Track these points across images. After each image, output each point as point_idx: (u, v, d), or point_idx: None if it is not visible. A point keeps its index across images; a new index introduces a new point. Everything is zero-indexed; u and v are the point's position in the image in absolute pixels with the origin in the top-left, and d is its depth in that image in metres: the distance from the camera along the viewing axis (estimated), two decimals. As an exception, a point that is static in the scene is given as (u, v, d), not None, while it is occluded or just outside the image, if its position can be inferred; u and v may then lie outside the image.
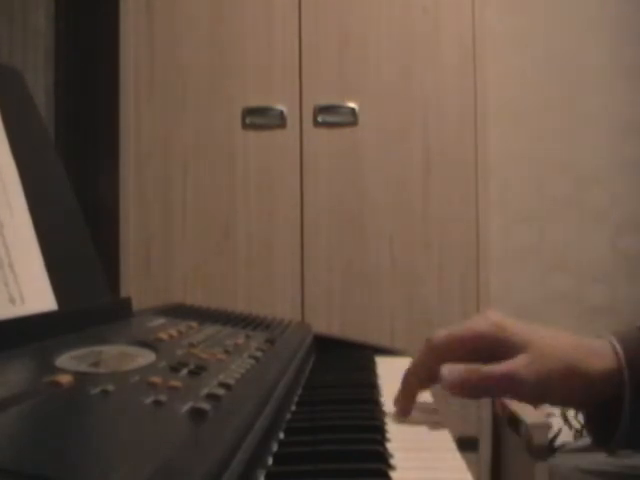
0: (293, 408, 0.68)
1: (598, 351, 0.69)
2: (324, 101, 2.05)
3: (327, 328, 1.88)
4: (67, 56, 2.49)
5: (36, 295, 0.69)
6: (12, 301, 0.65)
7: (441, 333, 0.70)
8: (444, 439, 0.64)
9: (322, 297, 2.03)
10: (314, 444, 0.55)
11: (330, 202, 2.04)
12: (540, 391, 0.67)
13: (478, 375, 0.67)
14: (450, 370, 0.67)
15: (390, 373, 0.87)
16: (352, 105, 2.05)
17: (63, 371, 0.49)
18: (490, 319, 0.70)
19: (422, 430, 0.66)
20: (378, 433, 0.59)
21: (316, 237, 2.04)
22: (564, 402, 0.72)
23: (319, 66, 2.06)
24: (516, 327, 0.69)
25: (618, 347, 0.69)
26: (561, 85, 2.62)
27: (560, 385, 0.67)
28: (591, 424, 0.73)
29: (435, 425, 0.67)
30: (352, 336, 1.14)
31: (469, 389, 0.67)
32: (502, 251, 2.57)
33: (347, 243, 2.04)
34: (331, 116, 2.05)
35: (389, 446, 0.58)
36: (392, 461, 0.54)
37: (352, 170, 2.05)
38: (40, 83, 2.31)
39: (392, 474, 0.51)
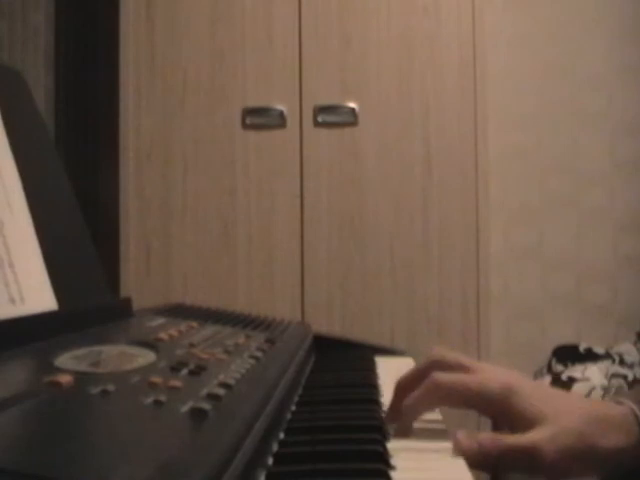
0: (293, 408, 0.68)
1: (618, 423, 0.62)
2: (324, 101, 2.05)
3: (327, 328, 1.88)
4: (67, 56, 2.48)
5: (36, 295, 0.68)
6: (12, 301, 0.65)
7: (448, 380, 0.64)
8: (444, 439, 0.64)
9: (322, 297, 2.03)
10: (314, 444, 0.55)
11: (330, 202, 2.04)
12: (557, 468, 0.61)
13: (498, 448, 0.60)
14: (467, 437, 0.60)
15: (390, 373, 0.87)
16: (352, 105, 2.05)
17: (63, 371, 0.49)
18: (505, 383, 0.63)
19: (422, 430, 0.66)
20: (378, 433, 0.59)
21: (316, 237, 2.04)
22: (579, 477, 0.65)
23: (319, 66, 2.06)
24: (529, 394, 0.63)
25: None
26: (561, 85, 2.62)
27: (578, 462, 0.61)
28: None
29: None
30: (352, 336, 1.14)
31: (485, 461, 0.60)
32: (502, 251, 2.57)
33: (347, 243, 2.03)
34: (331, 116, 2.05)
35: (389, 446, 0.58)
36: (392, 461, 0.54)
37: (352, 170, 2.05)
38: (40, 83, 2.31)
39: (392, 474, 0.51)
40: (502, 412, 0.63)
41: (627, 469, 0.62)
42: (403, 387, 0.67)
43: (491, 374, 0.65)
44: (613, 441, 0.61)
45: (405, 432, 0.64)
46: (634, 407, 0.63)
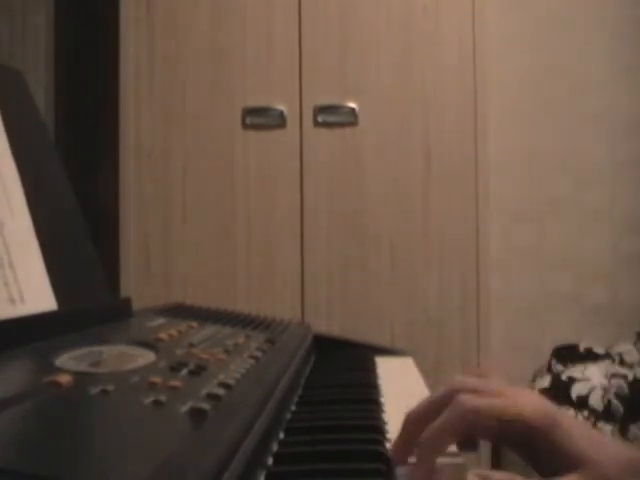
0: (293, 408, 0.68)
1: None
2: (324, 101, 2.05)
3: (327, 328, 1.88)
4: (67, 56, 2.49)
5: (36, 295, 0.68)
6: (12, 301, 0.65)
7: (478, 402, 0.54)
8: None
9: (322, 297, 2.03)
10: (314, 444, 0.55)
11: (330, 202, 2.04)
12: None
13: None
14: None
15: (390, 373, 0.87)
16: (352, 105, 2.05)
17: (63, 371, 0.49)
18: (543, 408, 0.55)
19: None
20: (378, 433, 0.59)
21: (316, 237, 2.04)
22: None
23: (319, 66, 2.06)
24: (572, 430, 0.55)
25: None
26: (561, 85, 2.62)
27: None
28: None
29: None
30: (352, 336, 1.14)
31: None
32: (502, 251, 2.57)
33: (347, 243, 2.03)
34: (331, 116, 2.05)
35: (389, 446, 0.57)
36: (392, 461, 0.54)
37: (352, 170, 2.05)
38: (40, 83, 2.31)
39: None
40: (540, 446, 0.54)
41: None
42: (415, 420, 0.56)
43: (527, 399, 0.55)
44: None
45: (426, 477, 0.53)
46: None
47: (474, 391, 0.55)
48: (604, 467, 0.52)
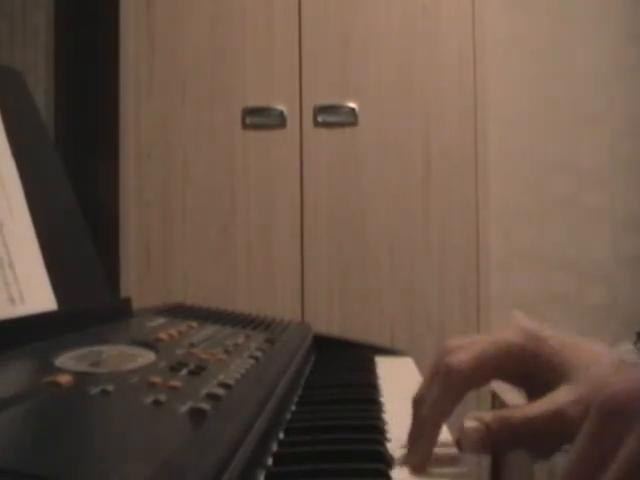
0: (293, 408, 0.68)
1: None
2: (324, 101, 2.05)
3: (327, 328, 1.88)
4: (67, 56, 2.49)
5: (36, 295, 0.68)
6: (12, 301, 0.65)
7: (462, 356, 0.54)
8: (443, 436, 0.64)
9: (322, 297, 2.03)
10: (314, 444, 0.55)
11: (330, 202, 2.04)
12: None
13: (513, 423, 0.51)
14: (472, 425, 0.51)
15: (390, 373, 0.87)
16: (352, 105, 2.05)
17: (63, 371, 0.49)
18: (522, 328, 0.56)
19: None
20: (378, 433, 0.59)
21: (316, 237, 2.04)
22: None
23: (319, 66, 2.06)
24: (554, 341, 0.55)
25: None
26: (561, 85, 2.62)
27: None
28: None
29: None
30: (352, 336, 1.14)
31: (501, 443, 0.51)
32: (502, 251, 2.57)
33: (347, 243, 2.03)
34: (331, 116, 2.05)
35: (389, 446, 0.58)
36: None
37: (352, 170, 2.05)
38: (40, 83, 2.31)
39: (392, 474, 0.51)
40: (529, 364, 0.54)
41: None
42: (420, 401, 0.56)
43: (508, 329, 0.56)
44: None
45: (426, 456, 0.54)
46: None
47: (459, 348, 0.55)
48: (591, 371, 0.52)
